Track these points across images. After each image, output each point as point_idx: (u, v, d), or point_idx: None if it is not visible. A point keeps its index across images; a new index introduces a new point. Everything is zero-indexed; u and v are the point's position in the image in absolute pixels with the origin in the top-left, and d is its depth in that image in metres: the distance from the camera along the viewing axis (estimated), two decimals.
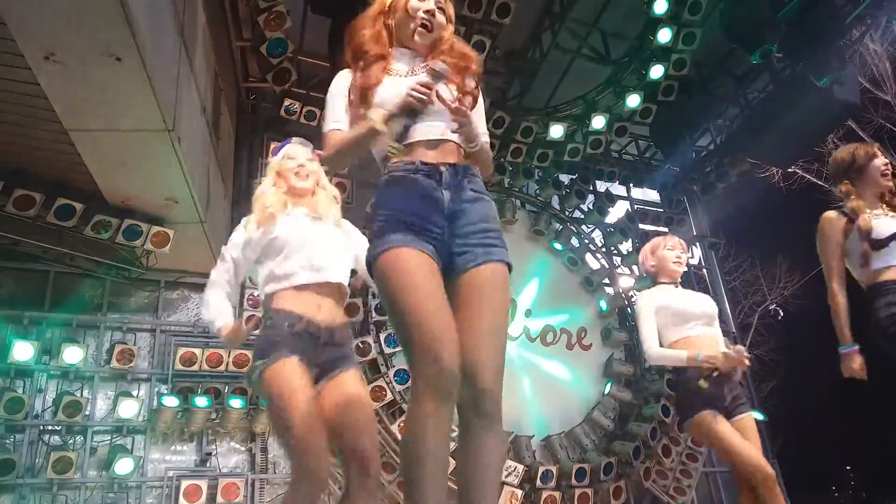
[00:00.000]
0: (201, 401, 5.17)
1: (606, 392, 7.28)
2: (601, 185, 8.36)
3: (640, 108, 7.38)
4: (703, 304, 3.62)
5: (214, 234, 5.46)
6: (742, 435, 3.26)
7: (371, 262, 1.87)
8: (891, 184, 3.13)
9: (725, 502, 7.20)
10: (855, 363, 3.03)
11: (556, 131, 7.37)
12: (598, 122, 7.40)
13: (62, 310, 5.36)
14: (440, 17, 2.09)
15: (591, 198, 8.19)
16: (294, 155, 2.91)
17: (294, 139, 3.01)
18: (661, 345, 3.49)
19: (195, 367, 5.41)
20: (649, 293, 3.68)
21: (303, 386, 2.38)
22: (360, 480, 2.37)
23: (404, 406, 5.80)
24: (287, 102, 6.39)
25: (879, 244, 2.95)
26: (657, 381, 7.25)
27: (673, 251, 3.70)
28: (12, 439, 4.92)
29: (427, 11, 2.06)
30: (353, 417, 2.45)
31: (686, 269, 3.77)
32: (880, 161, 3.17)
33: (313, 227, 2.73)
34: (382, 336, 6.04)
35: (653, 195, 9.05)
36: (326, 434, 2.35)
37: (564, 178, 8.01)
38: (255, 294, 3.19)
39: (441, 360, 1.67)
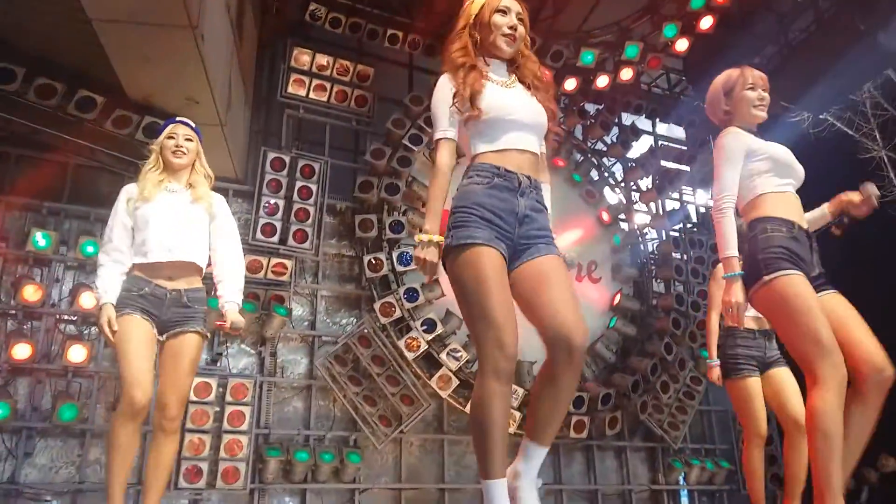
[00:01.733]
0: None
1: (611, 326, 7.35)
2: (627, 118, 8.18)
3: (676, 40, 7.13)
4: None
5: (233, 138, 5.42)
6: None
7: (450, 250, 2.18)
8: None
9: (717, 440, 7.37)
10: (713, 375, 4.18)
11: (587, 57, 7.15)
12: (632, 50, 7.16)
13: (80, 202, 5.39)
14: (521, 30, 2.42)
15: (614, 130, 8.03)
16: (174, 133, 3.35)
17: (177, 118, 3.45)
18: (750, 194, 2.83)
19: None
20: (737, 131, 2.88)
21: (139, 337, 3.08)
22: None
23: (411, 323, 5.89)
24: (312, 7, 6.22)
25: None
26: (662, 317, 7.31)
27: (754, 91, 2.92)
28: (29, 325, 5.04)
29: (510, 27, 2.39)
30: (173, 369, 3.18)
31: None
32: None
33: (176, 209, 3.26)
34: (395, 254, 6.07)
35: (678, 132, 8.87)
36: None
37: (590, 108, 7.84)
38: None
39: (504, 345, 2.04)
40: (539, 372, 2.18)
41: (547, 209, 2.36)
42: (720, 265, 3.63)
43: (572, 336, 2.04)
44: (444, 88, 2.38)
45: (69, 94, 4.73)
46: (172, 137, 3.32)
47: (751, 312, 3.92)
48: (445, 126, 2.37)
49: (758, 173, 2.81)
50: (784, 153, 2.87)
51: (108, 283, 3.13)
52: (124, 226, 3.23)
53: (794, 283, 2.54)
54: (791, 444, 3.83)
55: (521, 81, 2.45)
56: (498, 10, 2.40)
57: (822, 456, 2.38)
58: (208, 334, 3.37)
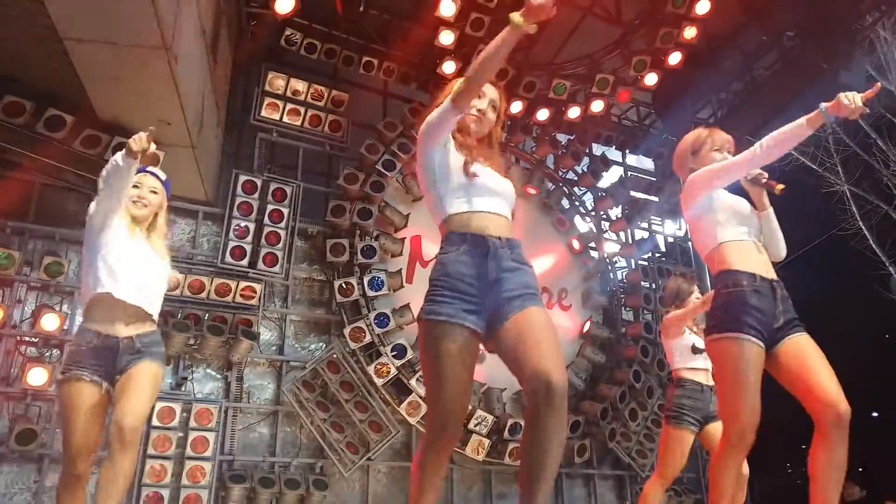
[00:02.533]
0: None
1: (580, 353, 7.38)
2: (597, 149, 8.32)
3: (645, 74, 7.30)
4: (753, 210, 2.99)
5: (205, 160, 5.40)
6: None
7: (419, 321, 2.25)
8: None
9: (685, 469, 7.37)
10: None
11: (559, 89, 7.28)
12: (602, 83, 7.31)
13: (46, 222, 5.30)
14: (490, 116, 2.50)
15: (585, 160, 8.16)
16: (140, 183, 3.08)
17: (147, 168, 3.17)
18: (710, 243, 2.92)
19: (176, 293, 5.40)
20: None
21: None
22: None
23: (381, 349, 5.86)
24: (288, 32, 6.26)
25: None
26: (631, 346, 7.37)
27: (720, 153, 2.98)
28: None
29: (480, 111, 2.46)
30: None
31: None
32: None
33: (146, 255, 3.03)
34: (366, 279, 6.05)
35: (647, 163, 9.04)
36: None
37: (562, 138, 7.96)
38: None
39: (447, 428, 2.20)
40: (524, 423, 2.28)
41: (528, 265, 2.32)
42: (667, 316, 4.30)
43: (551, 377, 2.02)
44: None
45: (38, 112, 4.68)
46: (137, 186, 3.06)
47: (701, 364, 4.09)
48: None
49: (716, 223, 2.91)
50: (740, 203, 2.97)
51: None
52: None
53: (737, 349, 2.66)
54: None
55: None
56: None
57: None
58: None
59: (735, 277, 2.79)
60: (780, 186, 2.90)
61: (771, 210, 3.01)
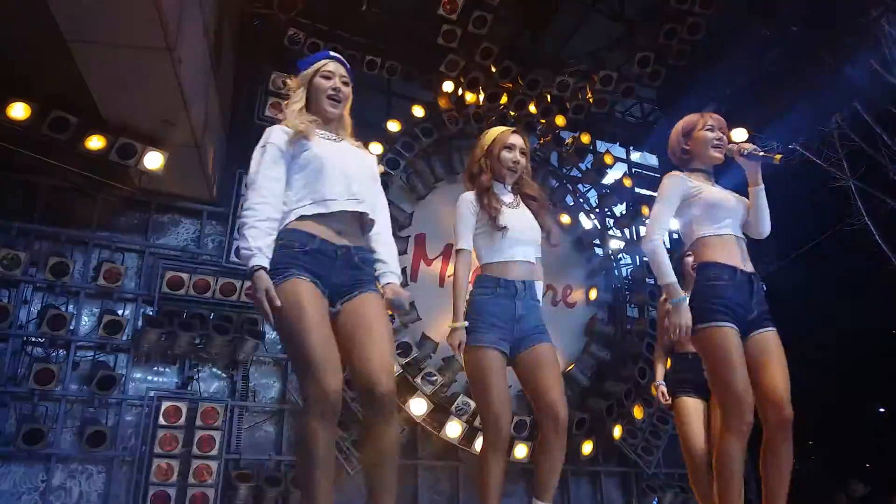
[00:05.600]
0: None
1: (586, 350, 7.38)
2: (601, 146, 8.31)
3: (650, 71, 7.28)
4: (738, 201, 3.05)
5: (208, 160, 5.41)
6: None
7: (470, 346, 2.82)
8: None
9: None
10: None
11: (563, 86, 7.27)
12: (607, 80, 7.29)
13: (51, 223, 5.32)
14: (522, 162, 3.09)
15: (589, 157, 8.15)
16: (330, 72, 2.58)
17: (330, 52, 2.68)
18: (691, 237, 3.00)
19: (182, 292, 5.42)
20: (678, 175, 3.02)
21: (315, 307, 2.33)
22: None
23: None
24: (292, 32, 6.25)
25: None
26: (636, 343, 7.36)
27: (713, 132, 3.03)
28: None
29: (515, 162, 3.06)
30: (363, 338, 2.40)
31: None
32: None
33: (349, 154, 2.56)
34: None
35: (651, 159, 9.02)
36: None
37: (565, 135, 7.95)
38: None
39: (501, 429, 2.79)
40: (536, 443, 2.96)
41: (539, 302, 2.95)
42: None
43: (559, 411, 2.74)
44: (468, 206, 2.98)
45: (43, 114, 4.69)
46: (328, 77, 2.56)
47: None
48: (467, 240, 2.95)
49: (694, 218, 2.97)
50: (719, 196, 2.98)
51: (261, 242, 2.28)
52: (277, 177, 2.41)
53: (719, 335, 2.76)
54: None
55: (522, 199, 3.11)
56: (505, 147, 3.07)
57: (721, 493, 2.73)
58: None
59: (716, 270, 2.87)
60: (779, 156, 2.92)
61: (762, 186, 3.04)
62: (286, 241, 2.33)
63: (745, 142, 3.06)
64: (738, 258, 2.90)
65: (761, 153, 2.94)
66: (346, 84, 2.62)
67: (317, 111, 2.57)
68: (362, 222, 2.53)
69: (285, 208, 2.39)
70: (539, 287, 3.02)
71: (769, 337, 2.81)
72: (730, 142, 3.06)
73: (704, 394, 4.06)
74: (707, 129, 3.03)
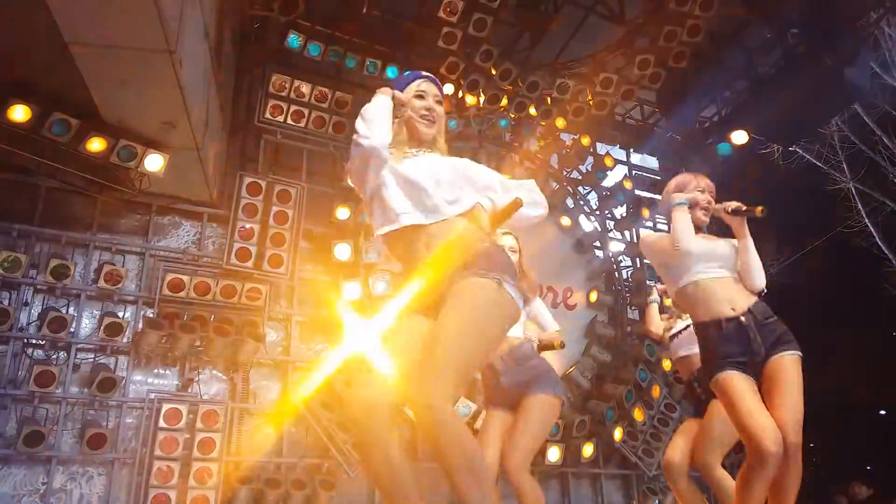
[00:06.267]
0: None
1: (586, 352, 7.38)
2: (601, 148, 8.32)
3: (650, 73, 7.29)
4: (727, 244, 3.18)
5: (209, 162, 5.41)
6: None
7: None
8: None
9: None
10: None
11: (563, 88, 7.28)
12: (606, 82, 7.30)
13: (52, 225, 5.33)
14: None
15: (589, 160, 8.16)
16: (423, 92, 2.50)
17: (423, 73, 2.59)
18: (672, 290, 3.17)
19: (182, 294, 5.42)
20: (649, 235, 3.42)
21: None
22: None
23: None
24: (292, 34, 6.27)
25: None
26: (637, 345, 7.36)
27: (703, 194, 3.20)
28: None
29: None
30: None
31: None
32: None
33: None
34: (371, 280, 6.06)
35: (651, 162, 9.03)
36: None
37: (565, 138, 7.96)
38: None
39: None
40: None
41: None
42: None
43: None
44: None
45: (43, 116, 4.70)
46: (422, 97, 2.48)
47: None
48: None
49: (675, 268, 3.09)
50: (701, 246, 3.06)
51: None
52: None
53: (726, 383, 2.79)
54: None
55: None
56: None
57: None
58: None
59: (704, 330, 2.96)
60: (760, 209, 3.01)
61: (750, 239, 3.11)
62: None
63: (729, 202, 3.14)
64: (722, 304, 2.94)
65: (744, 208, 3.06)
66: (439, 103, 2.52)
67: (410, 132, 2.46)
68: None
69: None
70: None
71: (775, 364, 2.83)
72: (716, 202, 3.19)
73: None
74: (698, 192, 3.18)
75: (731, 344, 2.84)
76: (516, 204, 2.37)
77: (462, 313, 2.03)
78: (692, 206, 3.14)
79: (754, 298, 2.98)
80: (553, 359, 7.08)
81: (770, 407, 2.73)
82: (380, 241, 2.34)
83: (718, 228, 3.32)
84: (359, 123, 2.23)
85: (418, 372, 1.95)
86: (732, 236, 3.16)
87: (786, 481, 2.70)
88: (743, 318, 2.89)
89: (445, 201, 2.25)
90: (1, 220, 5.14)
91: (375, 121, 2.24)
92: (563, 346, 3.97)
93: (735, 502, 2.77)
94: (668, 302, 4.89)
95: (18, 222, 5.19)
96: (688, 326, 4.14)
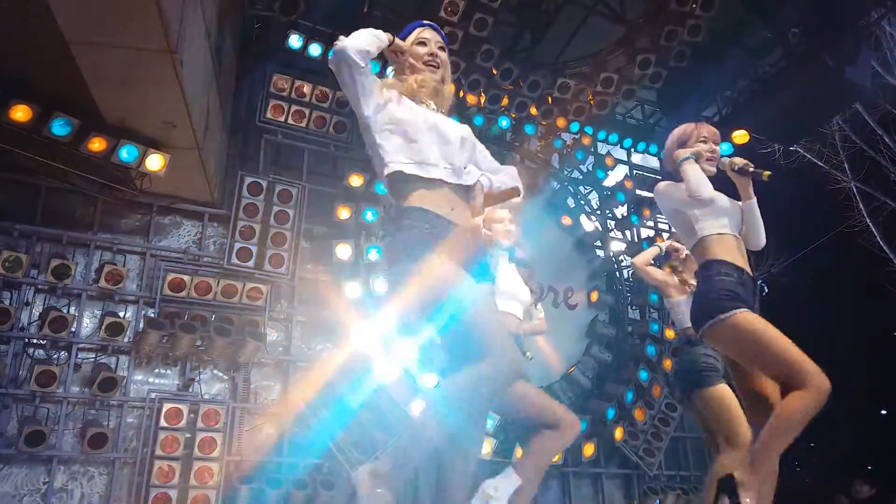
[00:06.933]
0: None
1: (587, 352, 7.38)
2: (602, 148, 8.32)
3: (650, 73, 7.29)
4: (735, 204, 3.14)
5: (210, 162, 5.41)
6: None
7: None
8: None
9: (692, 467, 7.39)
10: None
11: (564, 88, 7.28)
12: (607, 82, 7.30)
13: (53, 225, 5.33)
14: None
15: (590, 159, 8.15)
16: (425, 39, 2.57)
17: (424, 21, 2.64)
18: (692, 237, 3.08)
19: (183, 294, 5.43)
20: (669, 184, 3.21)
21: None
22: None
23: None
24: (292, 34, 6.27)
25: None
26: (638, 345, 7.36)
27: (706, 143, 3.14)
28: None
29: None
30: None
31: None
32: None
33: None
34: (372, 279, 6.06)
35: (652, 161, 9.02)
36: None
37: (566, 137, 7.96)
38: None
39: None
40: None
41: None
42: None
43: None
44: None
45: (44, 116, 4.70)
46: (424, 43, 2.54)
47: None
48: None
49: (696, 218, 3.04)
50: (718, 196, 3.04)
51: None
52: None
53: (751, 318, 2.75)
54: None
55: None
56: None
57: (776, 440, 2.65)
58: None
59: (725, 267, 2.89)
60: (767, 173, 2.95)
61: (755, 200, 3.07)
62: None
63: (736, 156, 3.10)
64: (742, 260, 2.95)
65: (751, 169, 3.01)
66: (442, 49, 2.57)
67: (416, 79, 2.50)
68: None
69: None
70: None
71: None
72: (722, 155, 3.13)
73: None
74: (701, 142, 3.12)
75: (745, 291, 2.84)
76: (515, 192, 2.44)
77: None
78: (697, 158, 3.08)
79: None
80: (555, 358, 7.14)
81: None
82: (386, 169, 2.33)
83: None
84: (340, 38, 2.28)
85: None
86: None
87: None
88: (754, 279, 2.97)
89: (464, 169, 2.34)
90: (2, 220, 5.15)
91: (356, 34, 2.30)
92: (530, 358, 3.91)
93: (783, 431, 2.66)
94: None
95: (19, 222, 5.20)
96: None
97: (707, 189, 2.97)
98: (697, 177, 2.99)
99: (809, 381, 2.59)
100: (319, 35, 6.47)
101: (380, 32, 2.39)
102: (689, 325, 4.11)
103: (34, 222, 5.27)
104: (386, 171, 2.32)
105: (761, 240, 3.09)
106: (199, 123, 4.87)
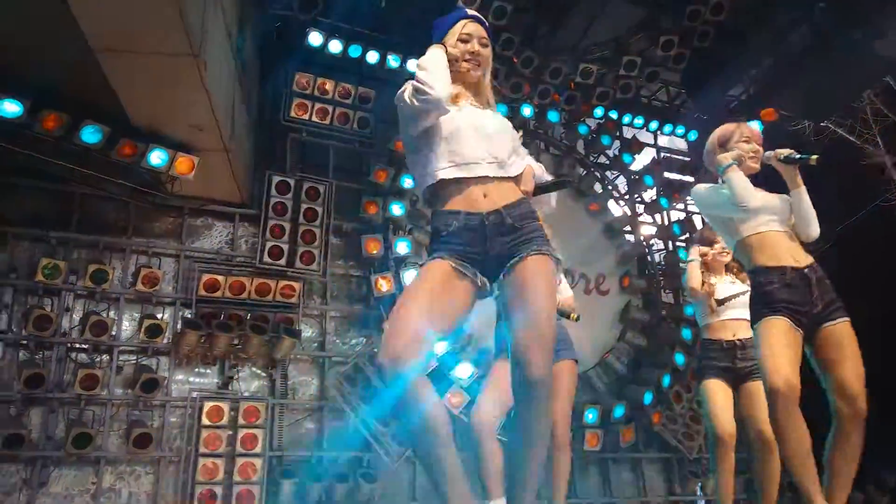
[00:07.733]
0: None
1: (621, 338, 7.33)
2: (628, 132, 8.23)
3: (674, 54, 7.20)
4: (780, 199, 3.11)
5: (237, 163, 5.47)
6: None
7: None
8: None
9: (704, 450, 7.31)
10: None
11: (586, 73, 7.22)
12: (630, 65, 7.22)
13: (88, 231, 5.44)
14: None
15: (616, 144, 8.08)
16: (468, 35, 2.47)
17: (468, 12, 2.55)
18: (734, 239, 3.09)
19: (218, 294, 5.50)
20: (705, 187, 3.26)
21: None
22: None
23: None
24: (312, 31, 6.30)
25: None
26: (673, 329, 7.29)
27: (749, 143, 3.11)
28: (41, 355, 5.06)
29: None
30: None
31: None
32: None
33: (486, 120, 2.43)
34: (402, 272, 6.08)
35: (679, 143, 8.91)
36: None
37: (591, 123, 7.89)
38: None
39: None
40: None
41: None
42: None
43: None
44: None
45: (74, 123, 4.78)
46: (466, 40, 2.46)
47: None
48: None
49: (738, 220, 3.04)
50: (762, 200, 3.03)
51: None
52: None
53: (770, 323, 2.80)
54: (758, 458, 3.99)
55: None
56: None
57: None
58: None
59: (766, 276, 2.89)
60: (815, 156, 2.90)
61: (803, 188, 3.03)
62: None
63: (780, 147, 3.07)
64: (787, 255, 2.91)
65: (797, 156, 2.97)
66: (484, 46, 2.48)
67: (456, 75, 2.44)
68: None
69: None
70: None
71: (839, 329, 2.82)
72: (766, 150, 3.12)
73: (731, 380, 4.03)
74: (744, 142, 3.10)
75: (792, 291, 2.82)
76: (564, 183, 2.47)
77: (547, 295, 2.12)
78: (740, 162, 3.06)
79: (811, 258, 2.96)
80: (588, 345, 7.07)
81: (838, 373, 2.76)
82: (429, 182, 2.35)
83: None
84: (420, 74, 2.26)
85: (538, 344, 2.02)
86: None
87: (852, 449, 2.73)
88: (807, 271, 2.89)
89: (507, 160, 2.33)
90: (39, 229, 5.26)
91: (436, 72, 2.27)
92: (578, 318, 3.86)
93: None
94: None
95: (55, 230, 5.31)
96: (743, 293, 4.00)
97: (752, 197, 2.95)
98: (742, 184, 2.97)
99: (770, 381, 2.70)
100: (339, 31, 6.49)
101: (439, 52, 2.39)
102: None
103: (70, 229, 5.38)
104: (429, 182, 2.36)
105: (812, 229, 3.05)
106: (226, 125, 4.93)
